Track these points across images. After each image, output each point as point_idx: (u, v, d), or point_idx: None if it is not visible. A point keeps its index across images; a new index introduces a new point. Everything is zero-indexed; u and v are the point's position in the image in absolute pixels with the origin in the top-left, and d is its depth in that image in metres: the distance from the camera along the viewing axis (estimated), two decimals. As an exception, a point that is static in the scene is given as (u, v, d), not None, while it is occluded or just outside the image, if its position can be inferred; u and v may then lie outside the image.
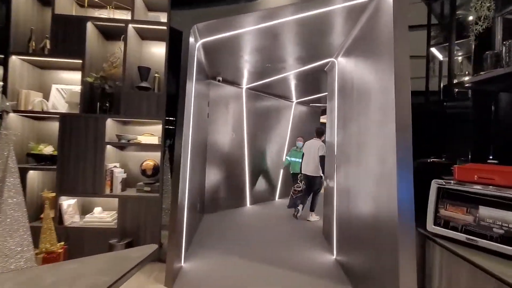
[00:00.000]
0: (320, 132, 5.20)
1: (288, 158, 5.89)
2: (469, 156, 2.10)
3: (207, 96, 4.97)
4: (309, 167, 5.04)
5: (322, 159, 4.80)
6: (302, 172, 5.21)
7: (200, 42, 3.27)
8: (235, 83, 5.62)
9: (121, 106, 2.89)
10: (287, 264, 3.26)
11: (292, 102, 7.30)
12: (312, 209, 5.11)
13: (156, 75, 3.11)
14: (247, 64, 4.32)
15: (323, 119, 9.24)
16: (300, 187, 5.19)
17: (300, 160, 5.38)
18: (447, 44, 2.87)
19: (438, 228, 1.60)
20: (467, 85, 1.88)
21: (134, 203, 2.92)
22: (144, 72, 3.04)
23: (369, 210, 2.28)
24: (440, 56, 3.41)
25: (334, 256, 3.50)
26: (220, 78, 5.11)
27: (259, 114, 6.33)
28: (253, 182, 6.23)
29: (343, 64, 3.46)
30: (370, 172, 2.30)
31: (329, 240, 3.88)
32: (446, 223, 1.57)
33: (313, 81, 5.41)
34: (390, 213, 1.80)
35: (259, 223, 4.87)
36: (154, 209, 2.91)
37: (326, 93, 5.42)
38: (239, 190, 5.95)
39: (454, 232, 1.51)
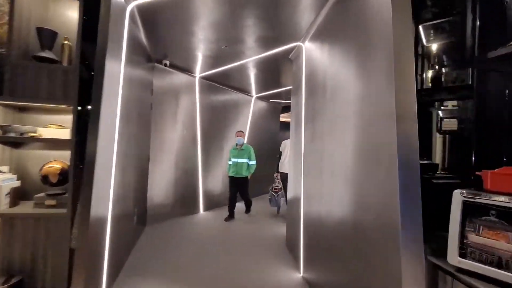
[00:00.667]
0: None
1: (230, 161, 4.99)
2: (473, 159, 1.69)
3: (149, 83, 4.11)
4: (286, 166, 5.08)
5: None
6: (280, 170, 5.28)
7: (132, 4, 2.47)
8: (187, 70, 4.82)
9: (4, 84, 1.97)
10: (246, 289, 2.64)
11: (252, 96, 6.72)
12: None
13: (66, 42, 2.22)
14: (200, 45, 3.60)
15: (283, 117, 8.89)
16: (278, 185, 5.32)
17: (245, 161, 4.96)
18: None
19: (467, 261, 1.10)
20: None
21: (28, 223, 2.03)
22: (46, 36, 2.14)
23: (350, 220, 1.76)
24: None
25: (301, 274, 2.98)
26: (167, 62, 4.29)
27: (215, 109, 5.62)
28: (207, 186, 5.50)
29: (312, 50, 2.94)
30: (351, 175, 1.78)
31: (294, 253, 3.35)
32: (478, 255, 1.08)
33: (275, 72, 4.87)
34: (385, 225, 1.28)
35: (213, 234, 4.18)
36: (59, 231, 2.05)
37: (291, 87, 4.93)
38: (190, 195, 5.17)
39: (496, 270, 1.02)
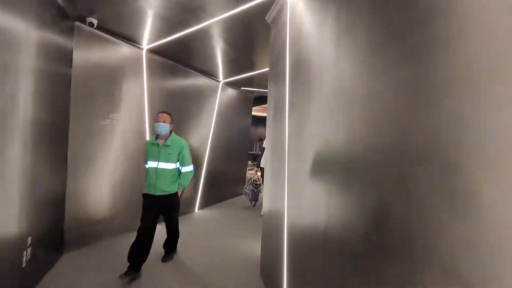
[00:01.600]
0: None
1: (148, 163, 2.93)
2: None
3: (64, 50, 2.86)
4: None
5: None
6: (262, 166, 5.02)
7: None
8: (129, 38, 3.60)
9: None
10: None
11: (219, 82, 5.61)
12: None
13: None
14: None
15: (256, 111, 7.86)
16: (257, 180, 5.33)
17: (171, 166, 2.86)
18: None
19: None
20: None
21: None
22: None
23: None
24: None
25: (285, 331, 1.99)
26: (94, 21, 3.04)
27: (172, 95, 4.43)
28: (160, 191, 4.32)
29: (302, 8, 1.93)
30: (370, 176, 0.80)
31: (273, 291, 2.36)
32: None
33: (248, 46, 3.82)
34: None
35: (159, 260, 3.06)
36: None
37: (266, 69, 3.92)
38: (135, 204, 3.97)
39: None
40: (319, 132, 1.59)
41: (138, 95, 3.85)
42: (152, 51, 3.95)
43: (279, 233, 2.28)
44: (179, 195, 2.99)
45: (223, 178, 5.99)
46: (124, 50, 3.61)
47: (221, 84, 5.65)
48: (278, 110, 2.54)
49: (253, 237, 3.85)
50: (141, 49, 3.85)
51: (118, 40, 3.51)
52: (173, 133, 2.92)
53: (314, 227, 1.55)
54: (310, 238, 1.63)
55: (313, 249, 1.57)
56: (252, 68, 4.76)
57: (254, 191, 5.29)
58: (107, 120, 3.40)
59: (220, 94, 5.66)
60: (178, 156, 2.87)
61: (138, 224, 2.76)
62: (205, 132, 5.30)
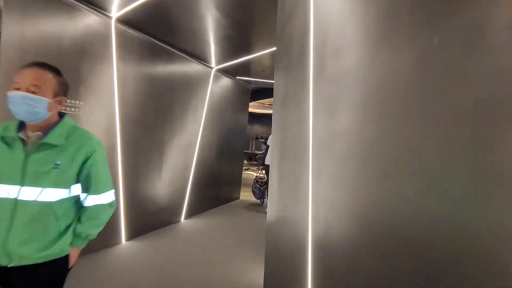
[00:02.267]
0: None
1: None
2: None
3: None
4: None
5: None
6: (266, 162, 5.09)
7: None
8: (90, 0, 2.74)
9: None
10: None
11: (211, 68, 4.76)
12: None
13: None
14: None
15: (252, 107, 7.04)
16: (263, 178, 5.28)
17: (40, 188, 1.10)
18: None
19: None
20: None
21: None
22: None
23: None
24: None
25: None
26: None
27: (151, 82, 3.58)
28: (138, 200, 3.48)
29: None
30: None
31: None
32: None
33: (247, 17, 3.00)
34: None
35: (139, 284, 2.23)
36: None
37: (269, 50, 3.22)
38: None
39: None
40: (371, 133, 1.11)
41: (105, 80, 2.99)
42: (123, 21, 3.09)
43: (297, 247, 1.55)
44: (69, 263, 1.24)
45: (216, 181, 5.17)
46: (83, 18, 2.74)
47: (213, 71, 4.81)
48: (294, 106, 1.79)
49: (252, 254, 3.05)
50: (109, 17, 2.98)
51: (74, 2, 2.64)
52: (66, 119, 1.25)
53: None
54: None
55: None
56: (250, 50, 3.93)
57: (260, 189, 5.29)
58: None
59: (212, 83, 4.81)
60: (80, 171, 1.21)
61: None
62: (194, 128, 4.46)
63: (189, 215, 4.49)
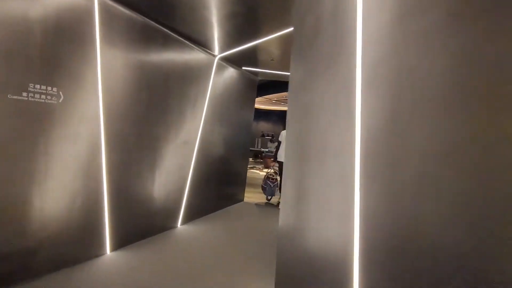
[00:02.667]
0: None
1: None
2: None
3: None
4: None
5: None
6: (280, 160, 5.23)
7: None
8: (66, -31, 2.26)
9: None
10: None
11: (214, 56, 4.27)
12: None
13: None
14: None
15: (260, 103, 6.50)
16: (274, 175, 5.29)
17: None
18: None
19: None
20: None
21: None
22: None
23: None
24: None
25: None
26: None
27: (143, 70, 3.11)
28: (127, 204, 3.03)
29: None
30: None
31: None
32: None
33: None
34: None
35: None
36: None
37: (279, 34, 2.83)
38: (91, 221, 2.68)
39: None
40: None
41: (86, 65, 2.53)
42: (109, -4, 2.62)
43: (328, 263, 1.14)
44: None
45: (218, 181, 4.70)
46: (59, -13, 2.27)
47: (216, 60, 4.32)
48: (331, 105, 1.34)
49: (260, 268, 2.57)
50: (90, -10, 2.52)
51: (46, -32, 2.17)
52: None
53: None
54: None
55: None
56: (259, 33, 3.42)
57: (271, 185, 5.29)
58: (24, 95, 2.08)
59: (215, 74, 4.33)
60: None
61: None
62: (193, 123, 3.98)
63: (187, 220, 4.04)
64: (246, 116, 5.44)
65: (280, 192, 5.43)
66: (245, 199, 5.65)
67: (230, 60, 4.56)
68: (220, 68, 4.43)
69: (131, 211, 3.09)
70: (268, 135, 19.69)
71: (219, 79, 4.45)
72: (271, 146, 16.45)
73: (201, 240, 3.44)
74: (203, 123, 4.14)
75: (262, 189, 5.49)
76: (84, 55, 2.48)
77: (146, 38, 3.08)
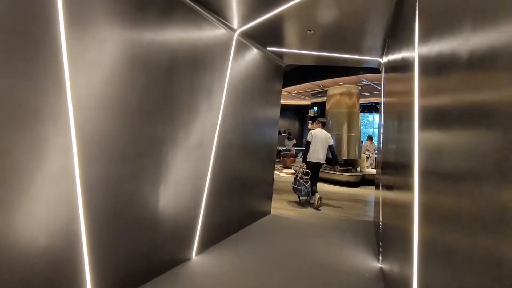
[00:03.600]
0: (323, 123, 5.60)
1: None
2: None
3: None
4: (322, 155, 5.25)
5: (333, 148, 5.36)
6: (312, 160, 5.26)
7: None
8: None
9: None
10: None
11: (233, 32, 3.28)
12: (316, 190, 5.25)
13: None
14: None
15: (291, 97, 5.46)
16: (305, 175, 5.26)
17: None
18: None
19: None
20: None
21: None
22: None
23: None
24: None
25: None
26: None
27: (136, 55, 2.14)
28: (116, 235, 2.09)
29: None
30: None
31: None
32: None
33: None
34: None
35: None
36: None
37: None
38: (64, 267, 1.76)
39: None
40: None
41: (40, 34, 1.58)
42: None
43: None
44: None
45: (240, 192, 3.73)
46: None
47: (236, 36, 3.32)
48: None
49: None
50: None
51: None
52: None
53: None
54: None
55: None
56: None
57: (304, 185, 5.24)
58: None
59: (234, 56, 3.34)
60: None
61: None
62: (209, 121, 3.01)
63: (204, 246, 3.08)
64: (271, 111, 4.43)
65: (312, 192, 5.20)
66: (273, 211, 4.65)
67: (253, 37, 3.55)
68: (240, 48, 3.43)
69: (124, 246, 2.15)
70: (285, 132, 18.63)
71: (239, 63, 3.46)
72: (289, 144, 15.38)
73: (226, 278, 2.47)
74: (221, 119, 3.17)
75: (294, 190, 5.39)
76: (35, 16, 1.54)
77: (141, 3, 2.11)
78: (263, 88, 4.09)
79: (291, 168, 10.74)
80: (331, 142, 5.33)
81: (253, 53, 3.74)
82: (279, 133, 18.53)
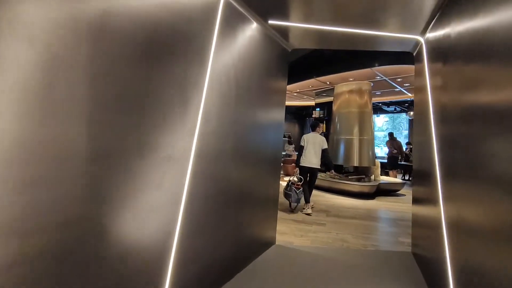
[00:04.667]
0: (315, 125, 5.38)
1: None
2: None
3: None
4: (315, 160, 5.09)
5: (327, 152, 5.17)
6: (304, 164, 5.12)
7: None
8: None
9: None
10: None
11: (218, -7, 2.23)
12: (308, 200, 5.13)
13: None
14: None
15: (293, 97, 4.83)
16: (298, 181, 5.12)
17: None
18: None
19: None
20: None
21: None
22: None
23: None
24: None
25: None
26: None
27: (69, 25, 1.09)
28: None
29: None
30: None
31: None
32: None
33: None
34: None
35: None
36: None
37: None
38: None
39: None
40: None
41: None
42: None
43: None
44: None
45: (233, 217, 2.66)
46: None
47: (222, 1, 2.28)
48: None
49: None
50: None
51: None
52: None
53: None
54: None
55: None
56: None
57: (296, 192, 5.06)
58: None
59: (221, 29, 2.28)
60: None
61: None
62: (183, 125, 1.95)
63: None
64: (274, 109, 3.38)
65: (305, 200, 5.03)
66: (278, 238, 3.57)
67: (248, 2, 2.52)
68: (230, 18, 2.39)
69: None
70: (284, 136, 17.61)
71: (229, 41, 2.41)
72: (289, 149, 14.38)
73: None
74: (202, 121, 2.11)
75: (285, 195, 5.23)
76: None
77: None
78: (264, 78, 3.05)
79: (294, 175, 9.70)
80: (325, 145, 5.18)
81: (249, 28, 2.69)
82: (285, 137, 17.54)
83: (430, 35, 2.81)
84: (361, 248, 3.49)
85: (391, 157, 9.68)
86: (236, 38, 2.51)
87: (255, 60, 2.84)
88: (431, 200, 2.55)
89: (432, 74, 2.73)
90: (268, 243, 3.39)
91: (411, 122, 15.32)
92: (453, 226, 2.02)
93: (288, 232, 3.96)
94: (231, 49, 2.43)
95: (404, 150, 11.88)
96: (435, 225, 2.37)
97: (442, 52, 2.43)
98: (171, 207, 1.90)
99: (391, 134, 10.18)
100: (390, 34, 3.06)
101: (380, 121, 18.53)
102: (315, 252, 3.25)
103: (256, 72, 2.88)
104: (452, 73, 2.16)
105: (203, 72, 2.10)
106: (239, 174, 2.67)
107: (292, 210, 5.18)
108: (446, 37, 2.34)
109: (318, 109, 11.28)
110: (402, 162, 10.33)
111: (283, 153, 14.19)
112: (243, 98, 2.65)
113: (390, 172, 9.03)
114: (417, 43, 3.24)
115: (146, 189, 1.67)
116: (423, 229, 2.93)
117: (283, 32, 3.17)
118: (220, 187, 2.40)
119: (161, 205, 1.80)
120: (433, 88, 2.66)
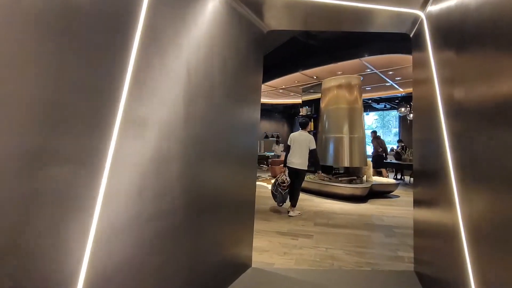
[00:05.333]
0: (305, 123, 5.14)
1: None
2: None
3: None
4: (299, 160, 4.88)
5: (314, 152, 4.94)
6: (289, 165, 4.99)
7: None
8: None
9: None
10: None
11: None
12: (294, 204, 4.98)
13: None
14: None
15: (279, 94, 4.71)
16: (285, 181, 5.04)
17: None
18: None
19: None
20: None
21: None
22: None
23: None
24: None
25: None
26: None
27: None
28: None
29: None
30: None
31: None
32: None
33: None
34: None
35: None
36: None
37: None
38: None
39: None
40: None
41: None
42: None
43: None
44: None
45: (186, 239, 2.06)
46: None
47: None
48: None
49: None
50: None
51: None
52: None
53: None
54: None
55: None
56: None
57: (281, 193, 5.00)
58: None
59: (162, 5, 1.68)
60: None
61: None
62: (94, 124, 1.34)
63: None
64: (247, 105, 2.79)
65: (290, 199, 5.01)
66: (256, 258, 2.99)
67: None
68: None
69: None
70: (272, 136, 17.06)
71: (183, 19, 1.81)
72: (277, 149, 13.86)
73: None
74: (125, 122, 1.50)
75: (273, 196, 5.23)
76: None
77: None
78: (234, 68, 2.45)
79: (281, 174, 9.18)
80: (313, 146, 4.94)
81: (212, 6, 2.09)
82: (266, 137, 16.94)
83: (434, 8, 2.27)
84: (355, 268, 2.94)
85: (377, 155, 9.31)
86: (194, 14, 1.91)
87: (219, 43, 2.23)
88: (442, 203, 2.02)
89: (440, 61, 2.17)
90: (243, 266, 2.79)
91: (402, 119, 15.00)
92: (478, 236, 1.47)
93: (269, 249, 3.38)
94: (187, 31, 1.83)
95: (396, 148, 11.55)
96: (448, 235, 1.83)
97: (452, 30, 1.88)
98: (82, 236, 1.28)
99: (374, 132, 9.85)
100: (381, 7, 2.51)
101: (370, 120, 18.25)
102: (299, 278, 2.68)
103: (221, 58, 2.28)
104: (469, 58, 1.62)
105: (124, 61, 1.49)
106: (196, 183, 2.07)
107: (279, 206, 5.23)
108: (458, 8, 1.80)
109: (306, 106, 10.79)
110: (393, 161, 9.96)
111: (271, 153, 13.66)
112: (207, 91, 2.05)
113: (383, 171, 8.61)
114: (415, 20, 2.68)
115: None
116: (430, 240, 2.40)
117: (257, 8, 2.58)
118: (162, 204, 1.79)
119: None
120: (442, 80, 2.11)
